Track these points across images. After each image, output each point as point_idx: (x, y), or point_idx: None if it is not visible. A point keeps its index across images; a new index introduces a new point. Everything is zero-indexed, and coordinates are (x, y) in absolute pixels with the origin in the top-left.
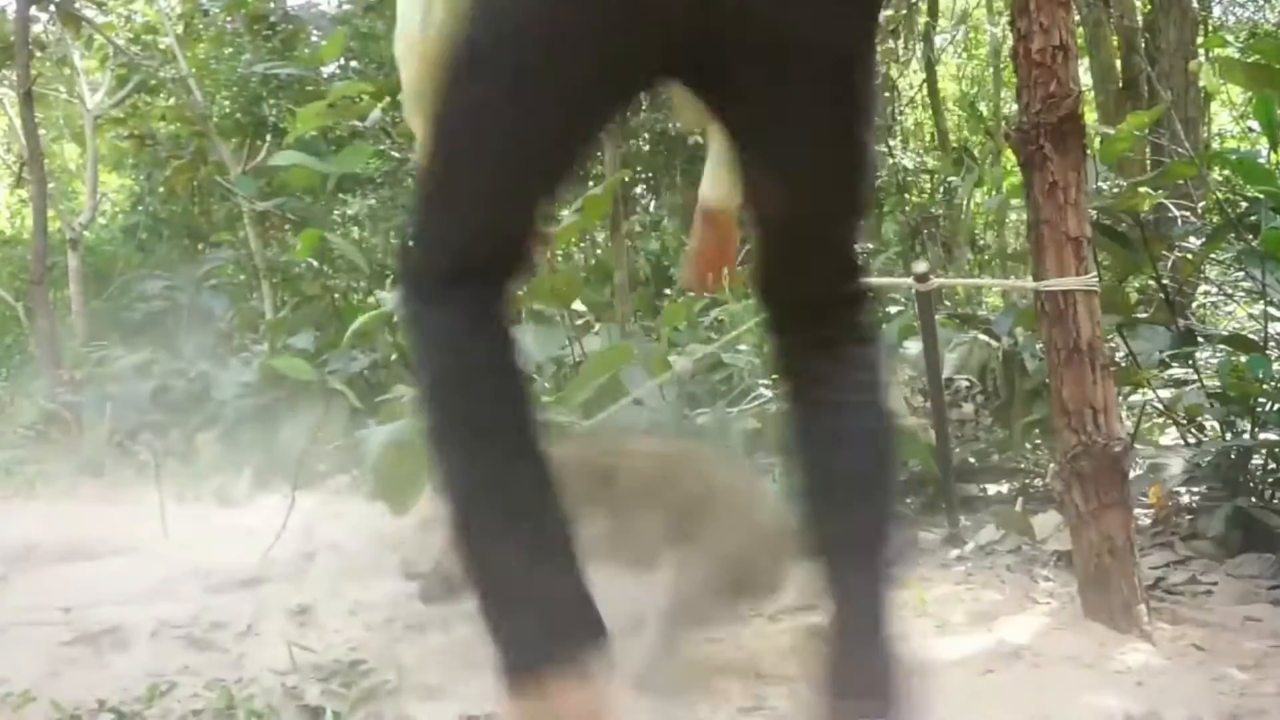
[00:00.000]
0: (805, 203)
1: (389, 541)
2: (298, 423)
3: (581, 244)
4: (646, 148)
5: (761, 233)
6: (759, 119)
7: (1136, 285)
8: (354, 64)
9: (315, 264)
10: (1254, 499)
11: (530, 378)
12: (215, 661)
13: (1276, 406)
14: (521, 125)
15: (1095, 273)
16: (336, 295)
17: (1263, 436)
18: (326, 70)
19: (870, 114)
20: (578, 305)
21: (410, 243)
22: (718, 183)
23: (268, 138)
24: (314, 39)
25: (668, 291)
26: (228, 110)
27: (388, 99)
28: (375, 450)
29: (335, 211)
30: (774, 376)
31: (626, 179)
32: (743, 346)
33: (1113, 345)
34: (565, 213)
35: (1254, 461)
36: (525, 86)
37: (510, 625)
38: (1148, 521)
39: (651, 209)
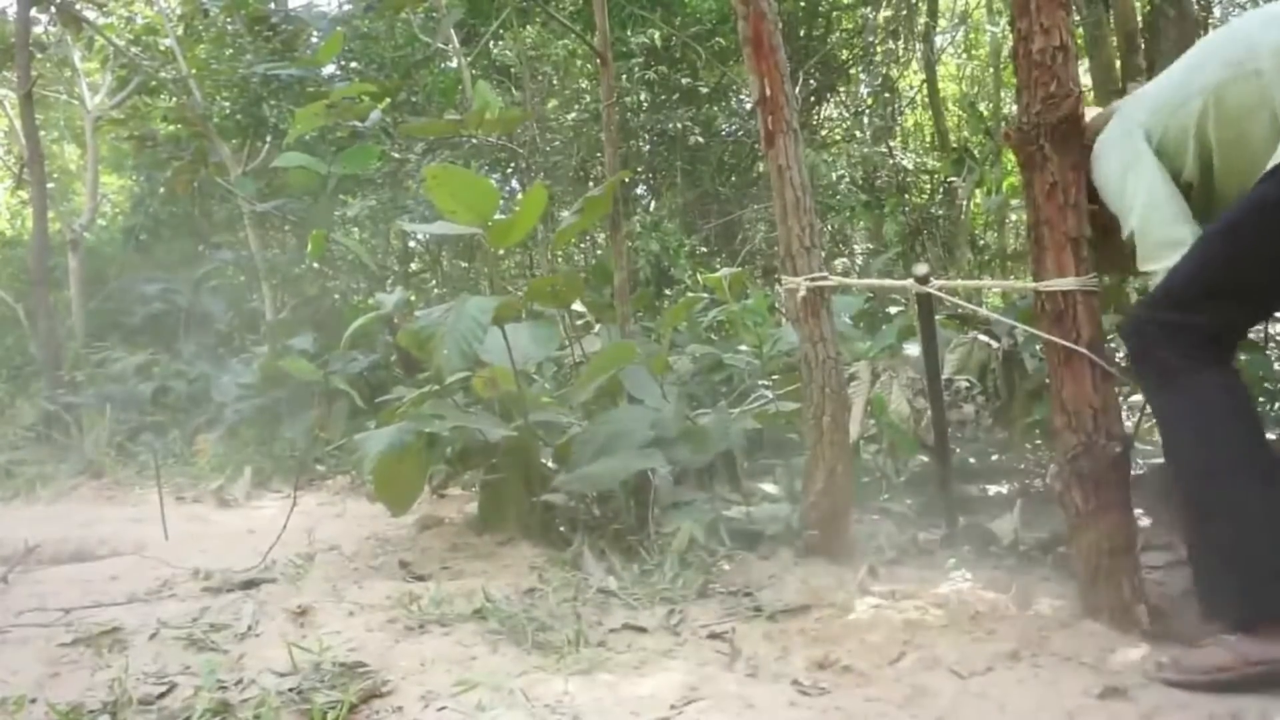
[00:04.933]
0: None
1: (389, 542)
2: (298, 423)
3: (581, 244)
4: (646, 148)
5: None
6: None
7: (1137, 285)
8: (354, 64)
9: (316, 265)
10: None
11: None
12: (215, 662)
13: (1277, 406)
14: None
15: (1095, 272)
16: (336, 296)
17: None
18: (327, 71)
19: None
20: (578, 305)
21: (1173, 307)
22: None
23: (268, 138)
24: (314, 39)
25: (668, 291)
26: (228, 111)
27: (388, 100)
28: (374, 452)
29: (335, 213)
30: None
31: (626, 179)
32: (742, 347)
33: (1113, 345)
34: (565, 213)
35: None
36: None
37: (1243, 582)
38: (1148, 521)
39: (651, 209)
